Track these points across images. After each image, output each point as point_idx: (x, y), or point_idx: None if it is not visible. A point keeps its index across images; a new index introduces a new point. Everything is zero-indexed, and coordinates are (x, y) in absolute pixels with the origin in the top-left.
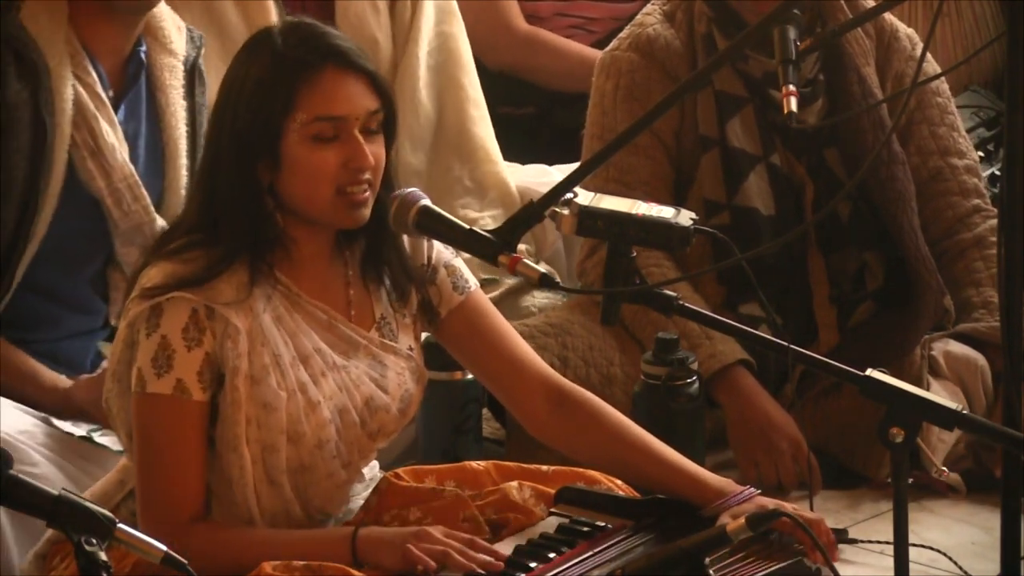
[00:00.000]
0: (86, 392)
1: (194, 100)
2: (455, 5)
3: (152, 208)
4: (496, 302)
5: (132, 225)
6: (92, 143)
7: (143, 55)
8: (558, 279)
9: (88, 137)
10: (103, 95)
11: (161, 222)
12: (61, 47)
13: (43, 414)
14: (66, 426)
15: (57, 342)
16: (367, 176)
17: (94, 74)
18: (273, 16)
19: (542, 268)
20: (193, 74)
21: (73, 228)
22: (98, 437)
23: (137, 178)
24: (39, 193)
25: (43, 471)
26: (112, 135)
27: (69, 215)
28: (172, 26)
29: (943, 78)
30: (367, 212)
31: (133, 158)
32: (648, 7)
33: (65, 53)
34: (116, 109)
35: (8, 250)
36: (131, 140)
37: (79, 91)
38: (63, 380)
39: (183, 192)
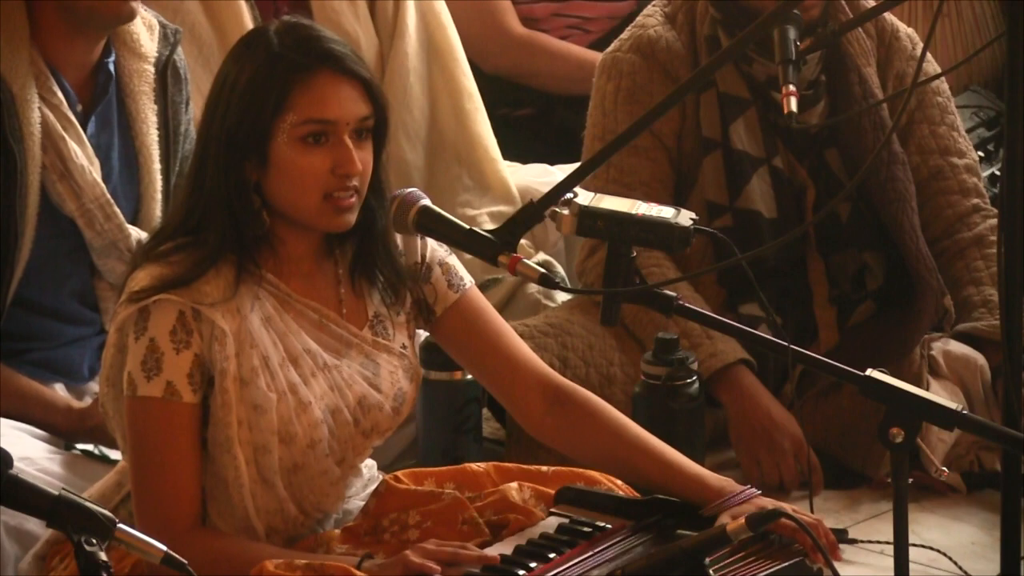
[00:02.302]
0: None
1: (167, 99)
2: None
3: (125, 225)
4: (505, 302)
5: (106, 243)
6: (61, 166)
7: (111, 65)
8: (560, 270)
9: (56, 160)
10: (70, 114)
11: (135, 235)
12: (25, 70)
13: (46, 434)
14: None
15: (53, 350)
16: (354, 182)
17: (60, 94)
18: (245, 17)
19: (537, 262)
20: (166, 73)
21: (53, 248)
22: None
23: (108, 197)
24: (17, 219)
25: None
26: (81, 155)
27: (47, 235)
28: (143, 27)
29: (943, 78)
30: (352, 218)
31: (107, 171)
32: (649, 8)
33: (29, 75)
34: (86, 123)
35: None
36: (104, 153)
37: (46, 113)
38: (76, 401)
39: (159, 197)
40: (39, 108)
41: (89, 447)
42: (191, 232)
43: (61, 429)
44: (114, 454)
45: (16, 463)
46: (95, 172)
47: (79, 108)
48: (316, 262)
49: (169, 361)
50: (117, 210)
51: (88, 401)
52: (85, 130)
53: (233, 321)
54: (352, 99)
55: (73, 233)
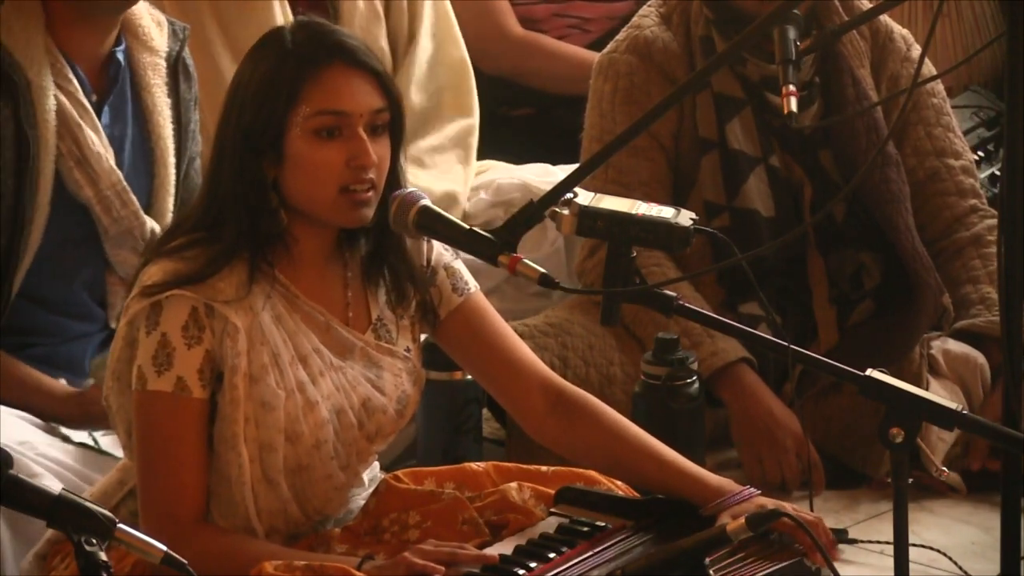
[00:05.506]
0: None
1: (179, 96)
2: (450, 13)
3: (141, 212)
4: None
5: (122, 230)
6: (77, 152)
7: (122, 56)
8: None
9: (73, 146)
10: (85, 102)
11: (150, 224)
12: (40, 57)
13: (43, 422)
14: (65, 430)
15: (56, 347)
16: (370, 175)
17: (75, 81)
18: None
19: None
20: (177, 68)
21: (65, 236)
22: (101, 438)
23: (125, 184)
24: (27, 206)
25: (43, 482)
26: (97, 143)
27: (60, 224)
28: (151, 23)
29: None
30: (369, 213)
31: (119, 161)
32: (644, 8)
33: (45, 63)
34: (99, 113)
35: (3, 264)
36: (117, 143)
37: (61, 100)
38: (69, 388)
39: (173, 191)
40: (55, 95)
41: (87, 440)
42: (206, 228)
43: (61, 416)
44: (109, 446)
45: (16, 447)
46: (111, 159)
47: (93, 98)
48: (326, 264)
49: (180, 356)
50: (133, 197)
51: (87, 384)
52: (99, 119)
53: (246, 318)
54: (365, 91)
55: (86, 222)
